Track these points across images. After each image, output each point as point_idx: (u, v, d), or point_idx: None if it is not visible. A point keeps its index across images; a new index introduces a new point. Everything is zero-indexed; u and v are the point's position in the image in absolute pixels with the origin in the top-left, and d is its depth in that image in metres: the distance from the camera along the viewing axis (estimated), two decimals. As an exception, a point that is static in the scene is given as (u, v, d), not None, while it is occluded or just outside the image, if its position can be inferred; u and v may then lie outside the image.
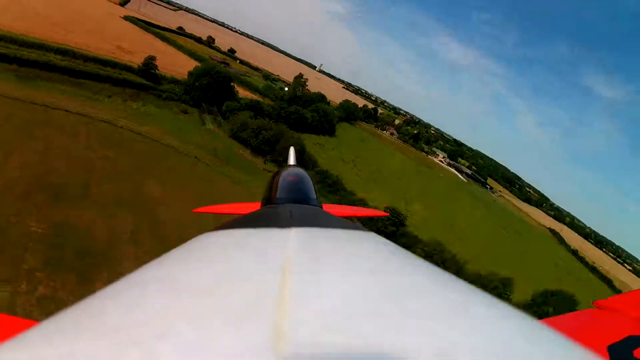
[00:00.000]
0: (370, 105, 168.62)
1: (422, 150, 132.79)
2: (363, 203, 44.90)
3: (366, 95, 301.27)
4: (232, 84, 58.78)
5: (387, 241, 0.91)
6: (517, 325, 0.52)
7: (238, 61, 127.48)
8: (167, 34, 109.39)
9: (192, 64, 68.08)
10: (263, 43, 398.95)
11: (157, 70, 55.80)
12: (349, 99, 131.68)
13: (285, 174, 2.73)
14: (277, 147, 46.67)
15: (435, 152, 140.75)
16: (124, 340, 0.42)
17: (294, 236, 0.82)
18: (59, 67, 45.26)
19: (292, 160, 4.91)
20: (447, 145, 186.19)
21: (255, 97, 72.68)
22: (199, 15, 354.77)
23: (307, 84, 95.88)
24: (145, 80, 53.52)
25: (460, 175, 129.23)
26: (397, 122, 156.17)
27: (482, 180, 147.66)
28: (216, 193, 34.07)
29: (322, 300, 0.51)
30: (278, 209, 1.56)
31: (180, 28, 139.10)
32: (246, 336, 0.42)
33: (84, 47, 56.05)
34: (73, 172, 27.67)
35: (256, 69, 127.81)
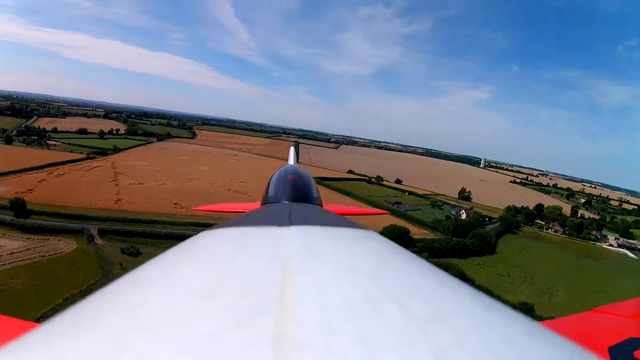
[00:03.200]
0: (538, 198, 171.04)
1: (589, 239, 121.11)
2: (509, 303, 49.37)
3: (532, 182, 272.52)
4: (409, 234, 77.79)
5: (387, 240, 0.93)
6: (518, 327, 0.54)
7: (407, 193, 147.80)
8: (347, 185, 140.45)
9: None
10: (424, 154, 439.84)
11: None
12: (511, 204, 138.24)
13: (284, 173, 2.77)
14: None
15: (606, 236, 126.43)
16: (124, 342, 0.44)
17: (294, 234, 0.82)
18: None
19: (292, 159, 5.10)
20: (627, 218, 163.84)
21: (427, 233, 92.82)
22: (357, 143, 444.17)
23: (471, 196, 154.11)
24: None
25: (630, 254, 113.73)
26: (564, 211, 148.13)
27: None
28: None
29: (322, 300, 0.52)
30: (277, 208, 1.57)
31: (351, 171, 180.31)
32: (246, 337, 0.43)
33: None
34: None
35: (423, 197, 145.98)
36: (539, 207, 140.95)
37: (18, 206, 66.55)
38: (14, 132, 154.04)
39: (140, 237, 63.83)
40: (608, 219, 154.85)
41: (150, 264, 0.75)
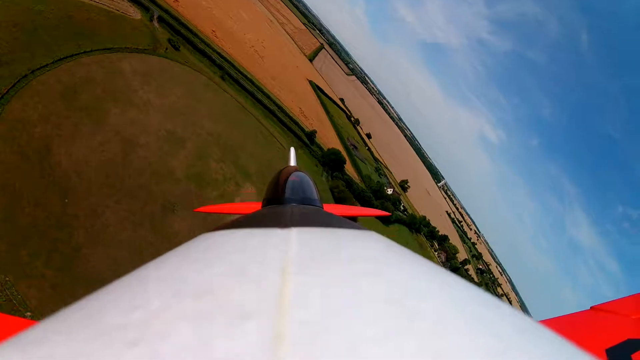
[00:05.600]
0: (452, 236, 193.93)
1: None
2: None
3: (462, 227, 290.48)
4: (344, 164, 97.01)
5: (388, 240, 0.97)
6: (517, 326, 0.55)
7: (367, 147, 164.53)
8: (331, 106, 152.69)
9: (335, 138, 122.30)
10: (405, 135, 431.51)
11: (315, 138, 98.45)
12: (434, 224, 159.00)
13: (286, 175, 2.88)
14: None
15: None
16: (124, 341, 0.45)
17: (295, 236, 0.85)
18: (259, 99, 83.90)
19: (292, 161, 5.73)
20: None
21: (356, 177, 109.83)
22: (366, 85, 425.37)
23: (408, 190, 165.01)
24: (308, 140, 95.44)
25: None
26: (458, 256, 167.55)
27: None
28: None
29: (322, 301, 0.53)
30: (279, 209, 1.65)
31: (342, 100, 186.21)
32: (246, 338, 0.44)
33: (283, 100, 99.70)
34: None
35: (376, 160, 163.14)
36: (446, 237, 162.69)
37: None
38: None
39: (182, 38, 76.02)
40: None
41: (150, 264, 0.77)
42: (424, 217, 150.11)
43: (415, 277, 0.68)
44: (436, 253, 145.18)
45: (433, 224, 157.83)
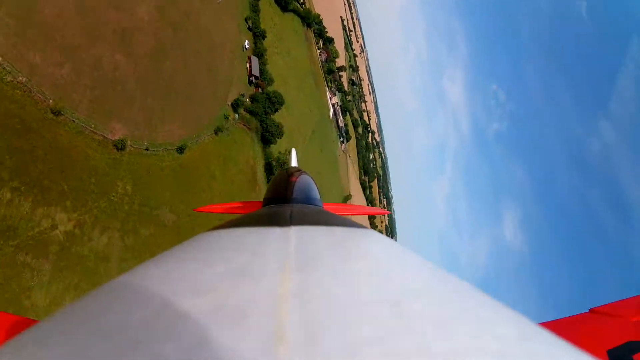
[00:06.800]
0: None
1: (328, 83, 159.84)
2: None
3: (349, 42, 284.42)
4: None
5: (388, 239, 0.98)
6: (517, 328, 0.56)
7: None
8: None
9: None
10: None
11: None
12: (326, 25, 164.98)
13: (286, 175, 2.91)
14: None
15: (335, 94, 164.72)
16: (124, 341, 0.45)
17: (294, 235, 0.86)
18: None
19: (293, 162, 6.01)
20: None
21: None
22: None
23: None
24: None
25: (330, 114, 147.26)
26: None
27: None
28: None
29: (322, 301, 0.54)
30: (279, 208, 1.66)
31: None
32: (246, 337, 0.45)
33: None
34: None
35: None
36: (331, 40, 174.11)
37: None
38: None
39: None
40: (349, 99, 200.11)
41: (149, 263, 0.77)
42: (318, 15, 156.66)
43: (415, 277, 0.68)
44: (318, 52, 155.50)
45: (325, 23, 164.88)
